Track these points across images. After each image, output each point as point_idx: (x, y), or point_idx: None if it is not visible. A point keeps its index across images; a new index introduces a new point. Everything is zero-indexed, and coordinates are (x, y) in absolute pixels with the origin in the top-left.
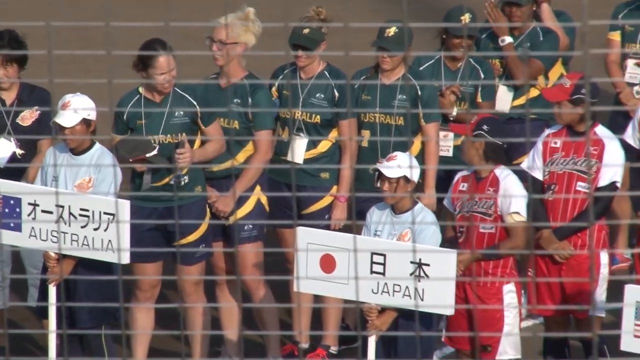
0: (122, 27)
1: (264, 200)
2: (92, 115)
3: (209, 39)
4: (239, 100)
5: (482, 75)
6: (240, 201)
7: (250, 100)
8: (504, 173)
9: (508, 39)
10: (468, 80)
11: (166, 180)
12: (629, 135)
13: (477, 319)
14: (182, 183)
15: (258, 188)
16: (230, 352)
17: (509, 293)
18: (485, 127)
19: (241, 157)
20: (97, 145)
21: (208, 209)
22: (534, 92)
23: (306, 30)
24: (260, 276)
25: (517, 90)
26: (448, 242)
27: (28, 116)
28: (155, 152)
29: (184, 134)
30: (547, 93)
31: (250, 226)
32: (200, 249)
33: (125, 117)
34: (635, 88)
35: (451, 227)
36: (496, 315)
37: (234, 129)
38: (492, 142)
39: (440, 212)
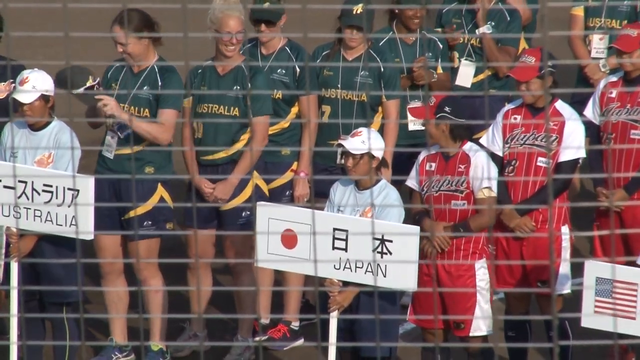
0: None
1: (262, 184)
2: (50, 92)
3: (220, 31)
4: (238, 87)
5: (441, 46)
6: (239, 187)
7: (250, 85)
8: (473, 149)
9: (484, 29)
10: (429, 53)
11: (124, 150)
12: (589, 112)
13: (449, 295)
14: (122, 136)
15: (255, 173)
16: (195, 328)
17: (481, 269)
18: (447, 108)
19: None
20: (56, 121)
21: (162, 189)
22: (492, 70)
23: (266, 4)
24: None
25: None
26: (417, 214)
27: (3, 89)
28: (92, 81)
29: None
30: (516, 74)
31: (248, 212)
32: (144, 225)
33: (107, 78)
34: (601, 62)
35: (420, 204)
36: (468, 292)
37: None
38: (455, 122)
39: (400, 190)
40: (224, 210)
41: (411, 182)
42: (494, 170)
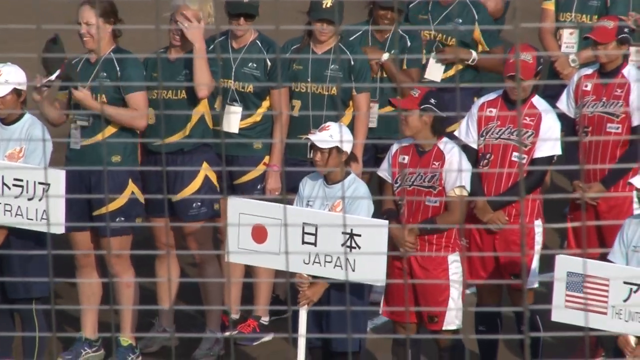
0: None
1: (212, 176)
2: (22, 86)
3: (172, 19)
4: (187, 71)
5: (409, 43)
6: (188, 178)
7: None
8: (448, 146)
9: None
10: (396, 51)
11: (90, 141)
12: (564, 105)
13: (422, 289)
14: (85, 124)
15: (205, 164)
16: (164, 324)
17: (454, 263)
18: (432, 100)
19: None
20: (28, 115)
21: (133, 184)
22: (460, 65)
23: None
24: (201, 248)
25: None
26: (386, 214)
27: None
28: (51, 76)
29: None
30: (505, 67)
31: (199, 203)
32: (117, 221)
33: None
34: (571, 56)
35: (391, 196)
36: (442, 286)
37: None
38: (439, 116)
39: (370, 182)
40: (175, 201)
41: (383, 172)
42: (467, 167)
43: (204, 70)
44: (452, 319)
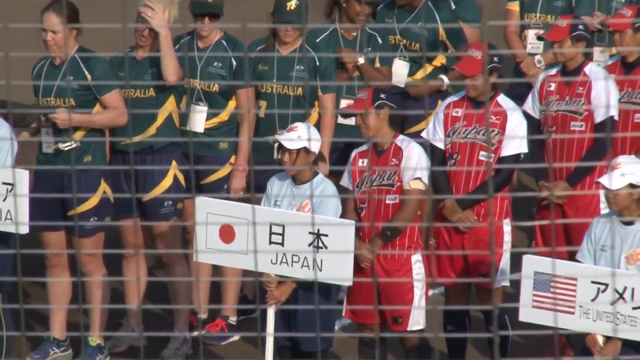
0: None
1: (179, 175)
2: None
3: (140, 18)
4: (155, 69)
5: (380, 41)
6: (158, 177)
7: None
8: (404, 142)
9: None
10: (368, 48)
11: (57, 145)
12: (529, 106)
13: (386, 291)
14: (66, 147)
15: (174, 163)
16: (132, 324)
17: (417, 263)
18: (382, 95)
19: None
20: None
21: (105, 184)
22: (429, 69)
23: None
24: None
25: (415, 65)
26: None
27: None
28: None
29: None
30: (462, 68)
31: (170, 202)
32: (90, 221)
33: (32, 77)
34: (537, 57)
35: (353, 204)
36: (406, 287)
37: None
38: (395, 111)
39: (338, 182)
40: (145, 201)
41: (344, 182)
42: (425, 161)
43: (171, 57)
44: (417, 319)
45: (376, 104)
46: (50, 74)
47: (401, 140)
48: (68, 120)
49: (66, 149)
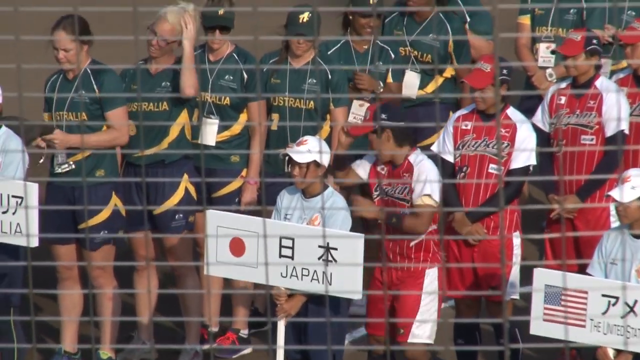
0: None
1: (191, 188)
2: None
3: (150, 29)
4: (168, 83)
5: (393, 55)
6: (170, 190)
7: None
8: (417, 159)
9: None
10: (379, 62)
11: (73, 159)
12: (539, 119)
13: (396, 301)
14: (61, 169)
15: (186, 176)
16: (143, 337)
17: (429, 277)
18: (383, 115)
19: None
20: (4, 129)
21: (116, 197)
22: (439, 80)
23: (221, 12)
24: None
25: (426, 77)
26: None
27: None
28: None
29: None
30: (471, 80)
31: (181, 215)
32: (101, 234)
33: (45, 90)
34: (548, 71)
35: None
36: (412, 299)
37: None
38: (397, 127)
39: (348, 196)
40: (157, 214)
41: (360, 171)
42: (436, 178)
43: (192, 70)
44: (416, 332)
45: (375, 128)
46: (63, 88)
47: (415, 156)
48: (64, 140)
49: (62, 171)
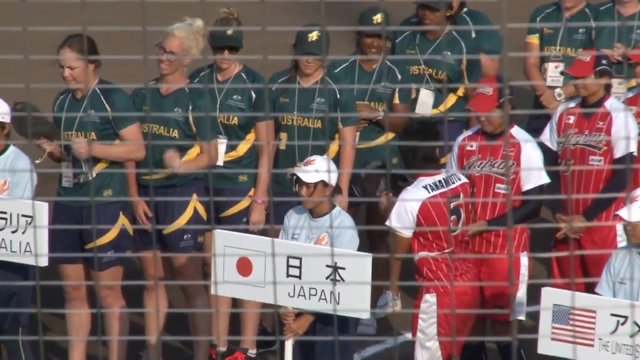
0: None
1: (200, 208)
2: (6, 118)
3: (159, 46)
4: (179, 109)
5: (399, 77)
6: (179, 210)
7: (191, 107)
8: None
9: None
10: (386, 82)
11: (78, 180)
12: (547, 138)
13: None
14: (83, 180)
15: (195, 196)
16: (151, 357)
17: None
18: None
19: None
20: (12, 148)
21: (124, 217)
22: (452, 99)
23: (229, 32)
24: (190, 281)
25: (440, 95)
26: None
27: None
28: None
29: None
30: (474, 106)
31: (189, 235)
32: (108, 254)
33: (54, 110)
34: (557, 90)
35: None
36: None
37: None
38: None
39: (357, 214)
40: (166, 233)
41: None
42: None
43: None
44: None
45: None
46: (72, 108)
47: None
48: (87, 150)
49: (82, 180)
